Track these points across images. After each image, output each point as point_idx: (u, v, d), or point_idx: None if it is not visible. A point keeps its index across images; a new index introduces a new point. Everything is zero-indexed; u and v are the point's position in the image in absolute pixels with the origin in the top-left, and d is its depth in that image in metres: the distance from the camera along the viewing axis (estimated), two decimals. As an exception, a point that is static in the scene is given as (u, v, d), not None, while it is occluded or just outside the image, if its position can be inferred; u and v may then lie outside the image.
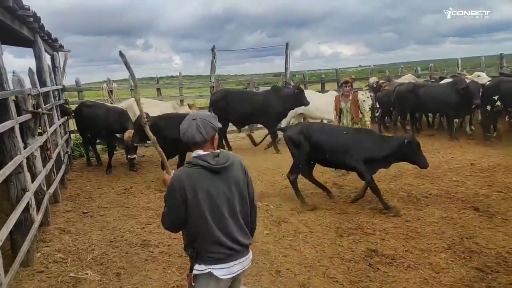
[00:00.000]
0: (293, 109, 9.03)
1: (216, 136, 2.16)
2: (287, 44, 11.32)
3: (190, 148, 2.16)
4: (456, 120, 9.82)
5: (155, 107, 8.22)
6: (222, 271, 2.08)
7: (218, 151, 2.13)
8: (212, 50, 10.77)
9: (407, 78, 11.72)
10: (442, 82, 10.46)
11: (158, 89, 11.02)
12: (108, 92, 9.59)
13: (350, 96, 6.57)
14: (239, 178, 2.14)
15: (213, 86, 10.82)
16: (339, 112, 6.65)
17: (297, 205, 5.37)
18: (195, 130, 2.06)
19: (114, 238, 4.56)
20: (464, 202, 5.07)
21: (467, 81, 8.97)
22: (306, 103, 8.73)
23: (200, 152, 2.10)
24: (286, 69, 11.49)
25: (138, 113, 7.46)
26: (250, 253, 2.25)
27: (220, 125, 2.18)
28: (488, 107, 8.38)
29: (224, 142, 9.15)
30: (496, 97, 8.20)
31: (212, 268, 2.06)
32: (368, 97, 8.88)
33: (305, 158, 5.41)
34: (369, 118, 6.67)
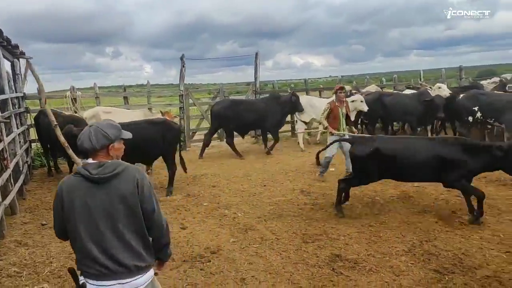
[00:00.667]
0: (289, 114, 9.80)
1: (116, 146, 2.05)
2: (256, 54, 11.45)
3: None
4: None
5: (123, 116, 8.02)
6: (94, 284, 1.96)
7: (110, 161, 1.98)
8: (181, 58, 10.72)
9: (371, 88, 12.13)
10: (407, 92, 10.92)
11: (125, 98, 10.79)
12: (72, 100, 9.30)
13: (345, 102, 6.86)
14: (126, 192, 1.95)
15: (182, 95, 10.74)
16: (336, 118, 6.78)
17: (265, 212, 5.39)
18: (86, 137, 1.99)
19: (74, 250, 4.38)
20: (424, 206, 5.26)
21: (430, 92, 9.42)
22: (300, 109, 9.41)
23: (90, 160, 2.01)
24: (255, 78, 11.59)
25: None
26: (146, 276, 2.02)
27: (122, 135, 2.08)
28: (470, 118, 8.60)
29: (232, 150, 9.42)
30: (476, 108, 8.47)
31: (87, 282, 1.97)
32: (362, 101, 9.25)
33: (373, 176, 5.04)
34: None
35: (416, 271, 3.58)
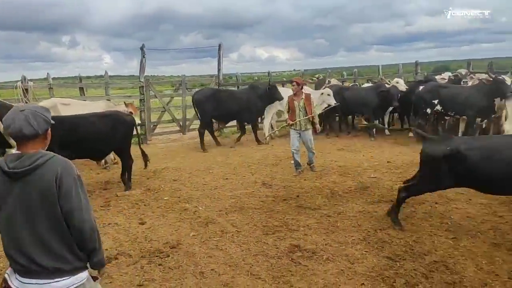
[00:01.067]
0: (269, 104, 9.77)
1: (49, 132, 1.88)
2: (219, 46, 11.36)
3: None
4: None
5: (83, 108, 7.62)
6: (16, 282, 1.86)
7: (32, 152, 1.79)
8: (141, 49, 10.43)
9: (332, 82, 12.40)
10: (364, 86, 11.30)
11: (82, 89, 10.35)
12: (23, 90, 8.78)
13: (302, 95, 6.81)
14: (44, 188, 1.77)
15: (143, 86, 10.45)
16: (293, 110, 6.80)
17: (226, 205, 5.39)
18: (24, 121, 1.75)
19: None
20: (380, 197, 5.47)
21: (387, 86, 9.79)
22: (280, 98, 9.38)
23: (14, 151, 1.85)
24: (219, 70, 11.51)
25: (63, 113, 6.91)
26: (71, 280, 1.86)
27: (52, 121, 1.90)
28: (428, 110, 8.98)
29: (213, 139, 9.71)
30: (436, 101, 8.82)
31: (16, 276, 1.88)
32: (329, 94, 9.39)
33: (445, 183, 4.06)
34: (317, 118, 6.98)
35: (370, 259, 3.73)
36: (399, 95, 9.60)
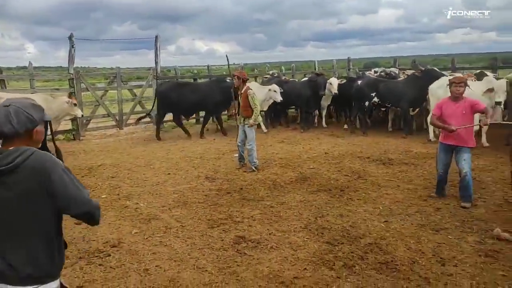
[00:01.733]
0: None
1: (39, 129, 1.76)
2: (156, 37, 11.00)
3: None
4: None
5: None
6: None
7: (12, 149, 1.67)
8: (70, 38, 9.74)
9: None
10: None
11: (2, 81, 9.41)
12: None
13: (242, 90, 6.69)
14: (29, 190, 1.66)
15: (72, 79, 9.80)
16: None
17: (169, 201, 5.29)
18: (3, 118, 1.66)
19: None
20: (319, 186, 5.73)
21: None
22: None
23: None
24: (156, 62, 11.16)
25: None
26: None
27: (45, 117, 1.81)
28: (366, 103, 9.66)
29: (182, 130, 9.91)
30: (373, 94, 9.54)
31: None
32: (275, 91, 9.59)
33: None
34: (257, 114, 6.64)
35: (311, 245, 3.92)
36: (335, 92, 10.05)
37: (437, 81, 8.30)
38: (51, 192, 1.68)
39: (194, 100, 9.48)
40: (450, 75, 7.99)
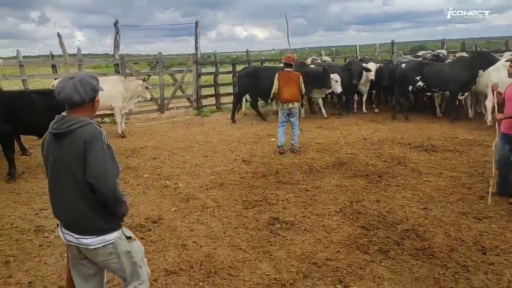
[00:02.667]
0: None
1: (98, 99, 2.02)
2: (196, 23, 11.12)
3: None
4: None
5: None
6: (60, 229, 2.09)
7: (71, 117, 1.93)
8: (115, 25, 10.11)
9: (308, 60, 12.44)
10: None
11: (54, 66, 10.01)
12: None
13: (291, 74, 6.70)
14: (75, 153, 1.89)
15: (118, 64, 10.21)
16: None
17: (206, 182, 5.45)
18: (72, 89, 1.90)
19: (1, 226, 4.14)
20: (356, 171, 5.65)
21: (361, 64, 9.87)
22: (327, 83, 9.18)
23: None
24: (196, 48, 11.31)
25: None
26: (96, 239, 2.00)
27: (102, 89, 2.06)
28: (410, 87, 9.18)
29: (257, 114, 10.11)
30: (418, 78, 8.99)
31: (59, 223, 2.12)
32: (337, 81, 9.28)
33: None
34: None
35: (346, 228, 3.90)
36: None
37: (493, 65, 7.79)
38: (86, 162, 1.88)
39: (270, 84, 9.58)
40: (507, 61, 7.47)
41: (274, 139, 7.80)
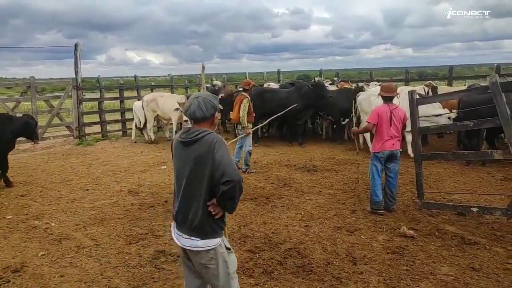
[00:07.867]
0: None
1: (216, 116, 2.32)
2: (76, 45, 10.34)
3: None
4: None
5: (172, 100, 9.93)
6: (173, 231, 2.30)
7: (196, 128, 2.22)
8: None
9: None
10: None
11: None
12: None
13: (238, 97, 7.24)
14: (202, 154, 2.14)
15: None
16: None
17: (85, 218, 4.94)
18: (196, 107, 2.20)
19: None
20: (245, 195, 5.75)
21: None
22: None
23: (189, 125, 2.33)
24: (76, 72, 10.46)
25: None
26: (204, 242, 2.17)
27: (221, 107, 2.39)
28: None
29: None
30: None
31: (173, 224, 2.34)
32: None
33: None
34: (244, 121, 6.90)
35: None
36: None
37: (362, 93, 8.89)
38: (215, 159, 2.10)
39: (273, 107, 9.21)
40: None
41: (165, 167, 7.56)
